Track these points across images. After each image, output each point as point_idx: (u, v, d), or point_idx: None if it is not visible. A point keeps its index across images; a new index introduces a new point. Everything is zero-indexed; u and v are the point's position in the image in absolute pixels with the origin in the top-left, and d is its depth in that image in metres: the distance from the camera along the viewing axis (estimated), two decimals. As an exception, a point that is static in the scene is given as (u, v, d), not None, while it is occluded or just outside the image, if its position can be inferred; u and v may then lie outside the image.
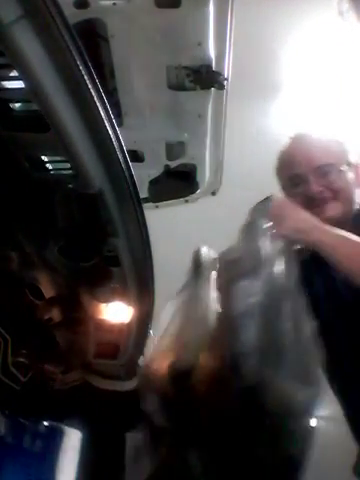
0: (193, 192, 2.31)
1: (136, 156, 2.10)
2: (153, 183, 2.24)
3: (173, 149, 2.13)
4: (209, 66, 1.76)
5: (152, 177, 2.24)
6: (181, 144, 2.10)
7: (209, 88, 1.82)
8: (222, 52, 1.73)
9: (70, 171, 1.06)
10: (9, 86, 0.95)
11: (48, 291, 1.47)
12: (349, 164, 1.32)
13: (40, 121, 0.93)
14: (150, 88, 1.88)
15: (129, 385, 1.80)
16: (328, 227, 1.12)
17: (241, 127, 2.64)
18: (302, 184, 1.28)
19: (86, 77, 0.90)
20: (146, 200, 2.18)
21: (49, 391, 1.77)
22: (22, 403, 1.70)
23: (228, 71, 1.80)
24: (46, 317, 1.53)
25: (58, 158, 1.08)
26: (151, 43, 1.71)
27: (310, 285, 1.22)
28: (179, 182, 2.24)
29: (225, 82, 1.80)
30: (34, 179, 1.13)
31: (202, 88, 1.83)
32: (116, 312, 1.52)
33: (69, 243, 1.33)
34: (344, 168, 1.29)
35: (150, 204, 2.26)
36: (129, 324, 1.51)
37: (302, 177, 1.28)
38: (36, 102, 0.90)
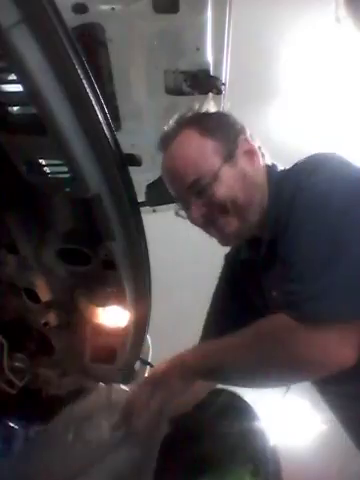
0: (190, 196, 2.31)
1: (134, 160, 2.10)
2: (150, 187, 2.24)
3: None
4: (207, 71, 1.76)
5: (149, 181, 2.24)
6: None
7: (207, 93, 1.83)
8: (220, 57, 1.74)
9: (67, 175, 1.06)
10: (7, 89, 0.95)
11: (44, 295, 1.46)
12: (231, 155, 1.03)
13: (38, 124, 0.93)
14: (148, 92, 1.88)
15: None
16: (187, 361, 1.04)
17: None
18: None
19: (84, 81, 0.91)
20: (143, 204, 2.18)
21: (45, 396, 1.76)
22: (18, 408, 1.69)
23: (226, 76, 1.81)
24: (42, 321, 1.52)
25: (56, 162, 1.08)
26: (149, 48, 1.72)
27: (259, 287, 1.16)
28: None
29: (223, 87, 1.81)
30: (31, 182, 1.13)
31: (200, 93, 1.83)
32: (113, 316, 1.51)
33: (66, 247, 1.32)
34: (222, 171, 1.01)
35: (147, 208, 2.26)
36: (126, 328, 1.50)
37: (184, 199, 1.09)
38: (34, 106, 0.90)
